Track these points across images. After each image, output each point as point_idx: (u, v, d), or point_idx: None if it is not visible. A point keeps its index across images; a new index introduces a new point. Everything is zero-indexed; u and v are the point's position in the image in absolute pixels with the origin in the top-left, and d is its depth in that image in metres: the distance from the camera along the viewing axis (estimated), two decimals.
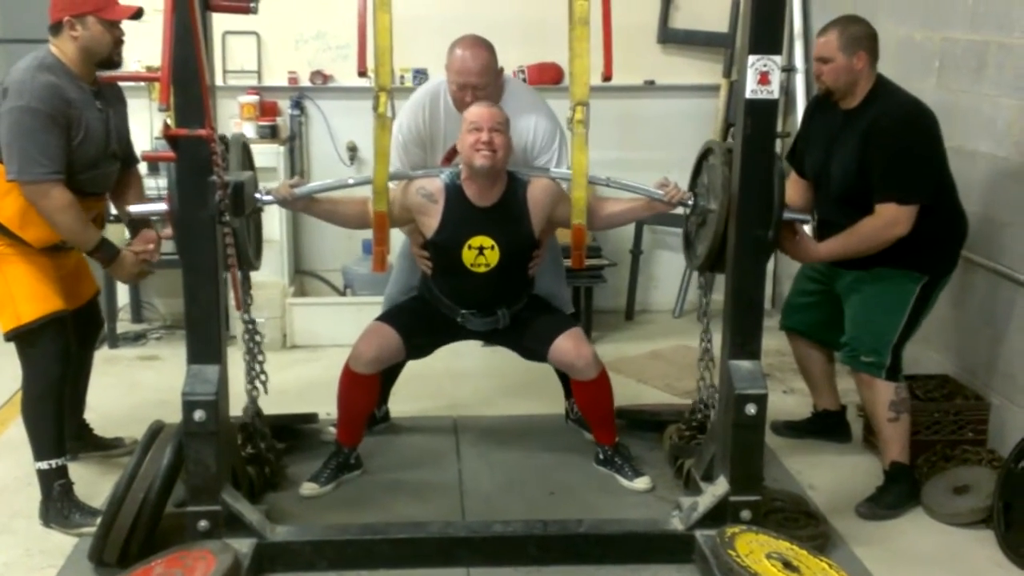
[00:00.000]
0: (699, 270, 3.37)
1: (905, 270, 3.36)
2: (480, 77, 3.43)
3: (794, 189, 3.53)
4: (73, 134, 3.10)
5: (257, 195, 3.20)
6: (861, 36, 3.31)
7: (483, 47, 3.48)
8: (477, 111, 3.27)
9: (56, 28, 3.14)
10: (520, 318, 3.53)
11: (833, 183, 3.41)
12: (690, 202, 3.27)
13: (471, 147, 3.22)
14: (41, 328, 3.21)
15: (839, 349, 3.56)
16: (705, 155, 3.28)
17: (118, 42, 3.21)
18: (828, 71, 3.35)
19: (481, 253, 3.34)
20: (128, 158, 3.45)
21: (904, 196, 3.22)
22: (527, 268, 3.50)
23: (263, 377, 3.45)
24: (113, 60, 3.22)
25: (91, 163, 3.20)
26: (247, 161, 3.26)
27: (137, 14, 3.20)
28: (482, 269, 3.36)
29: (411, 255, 3.70)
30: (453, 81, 3.49)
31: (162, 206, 3.00)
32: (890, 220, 3.24)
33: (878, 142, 3.24)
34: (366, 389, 3.54)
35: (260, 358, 3.43)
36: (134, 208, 3.24)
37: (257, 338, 3.41)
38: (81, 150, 3.14)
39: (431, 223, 3.34)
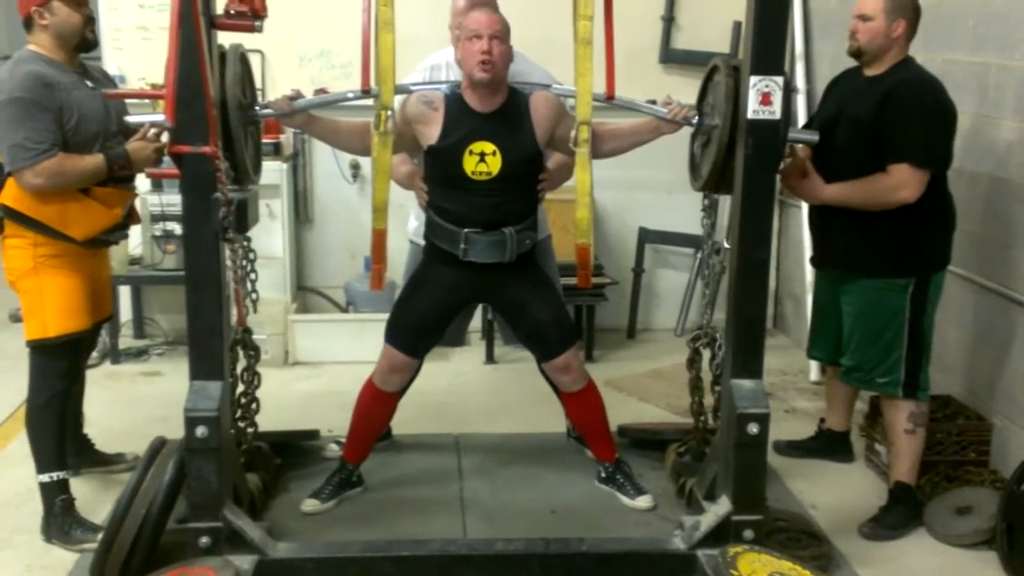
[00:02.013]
0: (703, 190, 3.32)
1: (889, 278, 3.34)
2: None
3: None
4: (66, 117, 3.11)
5: (256, 108, 3.16)
6: (907, 5, 3.30)
7: None
8: (477, 16, 3.20)
9: (28, 24, 3.18)
10: (525, 297, 3.41)
11: (838, 140, 3.36)
12: (695, 120, 3.24)
13: (471, 58, 3.16)
14: (60, 345, 3.25)
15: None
16: (711, 75, 3.24)
17: (88, 20, 3.24)
18: (864, 30, 3.32)
19: (482, 160, 3.23)
20: (130, 136, 3.47)
21: (919, 159, 3.20)
22: (531, 187, 3.39)
23: (255, 296, 3.37)
24: (87, 39, 3.25)
25: (97, 141, 3.20)
26: (246, 74, 3.17)
27: None
28: (483, 178, 3.24)
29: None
30: (456, 26, 3.48)
31: (158, 116, 2.97)
32: (900, 182, 3.21)
33: (900, 102, 3.22)
34: (386, 405, 3.55)
35: (252, 276, 3.34)
36: (131, 118, 3.19)
37: (251, 255, 3.32)
38: (81, 130, 3.15)
39: (432, 132, 3.26)
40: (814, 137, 3.29)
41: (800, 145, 3.42)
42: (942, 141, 3.28)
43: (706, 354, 3.52)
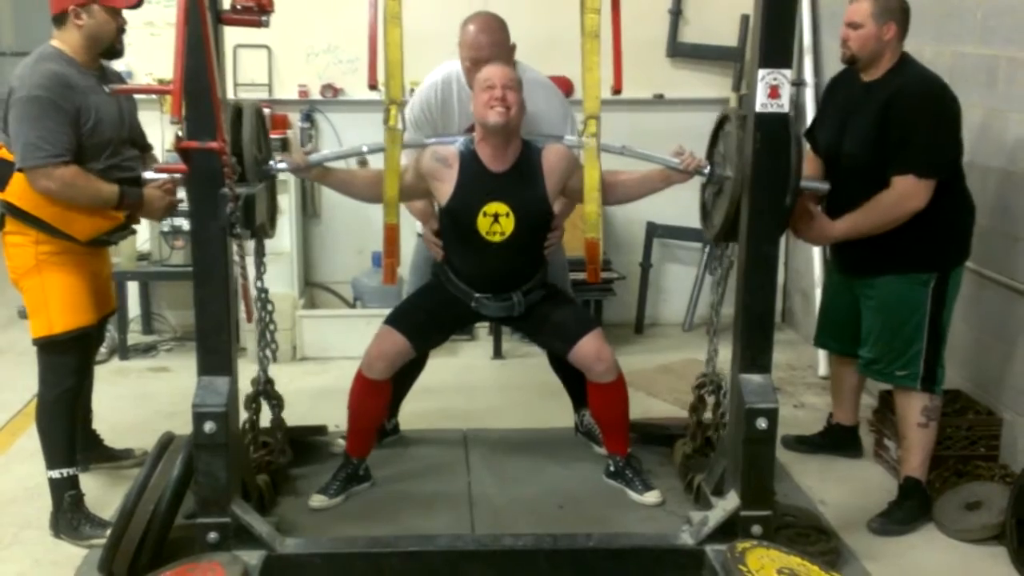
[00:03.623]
0: (715, 240, 3.32)
1: (912, 273, 3.33)
2: (492, 51, 3.44)
3: (810, 167, 3.50)
4: (83, 120, 3.12)
5: (271, 163, 3.20)
6: (895, 7, 3.29)
7: (495, 23, 3.51)
8: (490, 69, 3.26)
9: (60, 18, 3.17)
10: (539, 310, 3.50)
11: (845, 155, 3.37)
12: (706, 170, 3.24)
13: (484, 105, 3.20)
14: (68, 341, 3.25)
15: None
16: (721, 124, 3.24)
17: (121, 30, 3.24)
18: (856, 37, 3.32)
19: (496, 221, 3.30)
20: (143, 145, 3.48)
21: (923, 169, 3.19)
22: (542, 244, 3.46)
23: (274, 346, 3.45)
24: (116, 48, 3.26)
25: (109, 147, 3.22)
26: (260, 128, 3.21)
27: (138, 3, 3.25)
28: (497, 238, 3.31)
29: (423, 268, 3.71)
30: (466, 57, 3.50)
31: (177, 172, 3.01)
32: (906, 193, 3.20)
33: (900, 112, 3.21)
34: (378, 396, 3.54)
35: (272, 327, 3.43)
36: (148, 174, 3.25)
37: (269, 307, 3.40)
38: (96, 135, 3.16)
39: (445, 189, 3.31)
40: (824, 186, 3.31)
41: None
42: (946, 146, 3.26)
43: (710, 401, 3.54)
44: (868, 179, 3.27)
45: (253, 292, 3.25)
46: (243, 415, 3.36)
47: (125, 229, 3.43)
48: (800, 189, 3.08)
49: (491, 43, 3.45)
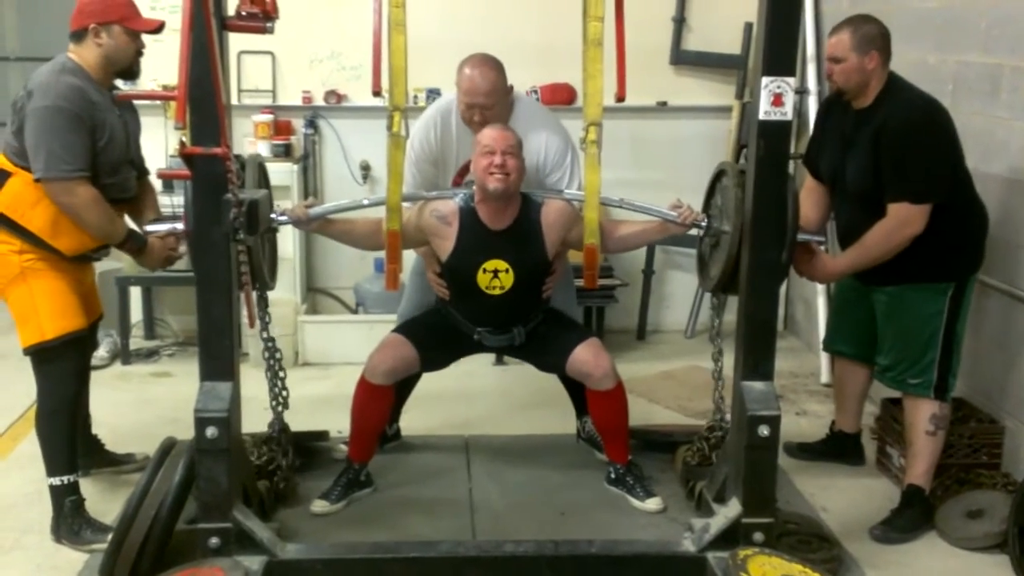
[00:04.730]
0: (712, 292, 3.37)
1: (930, 283, 3.34)
2: (488, 97, 3.47)
3: (808, 197, 3.51)
4: (98, 136, 3.13)
5: (272, 215, 3.23)
6: (874, 35, 3.29)
7: (491, 67, 3.51)
8: (490, 134, 3.29)
9: (79, 35, 3.17)
10: (537, 333, 3.55)
11: (849, 184, 3.39)
12: (703, 224, 3.27)
13: (484, 170, 3.24)
14: (61, 346, 3.24)
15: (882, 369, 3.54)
16: (718, 177, 3.27)
17: (139, 53, 3.26)
18: (840, 71, 3.33)
19: (496, 276, 3.36)
20: (141, 168, 3.49)
21: (917, 195, 3.20)
22: (541, 290, 3.51)
23: (284, 393, 3.53)
24: (132, 71, 3.28)
25: (115, 167, 3.24)
26: (263, 181, 3.28)
27: (159, 28, 3.26)
28: (497, 291, 3.38)
29: (424, 273, 3.73)
30: (462, 101, 3.53)
31: (178, 224, 3.08)
32: (903, 220, 3.21)
33: (889, 141, 3.22)
34: (381, 401, 3.55)
35: (281, 374, 3.50)
36: (150, 227, 3.30)
37: (277, 355, 3.47)
38: (107, 153, 3.17)
39: (445, 246, 3.36)
40: (822, 239, 3.37)
41: None
42: (938, 168, 3.25)
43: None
44: (874, 204, 3.28)
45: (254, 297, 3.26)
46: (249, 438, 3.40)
47: (107, 247, 3.42)
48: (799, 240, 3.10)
49: (487, 90, 3.47)
